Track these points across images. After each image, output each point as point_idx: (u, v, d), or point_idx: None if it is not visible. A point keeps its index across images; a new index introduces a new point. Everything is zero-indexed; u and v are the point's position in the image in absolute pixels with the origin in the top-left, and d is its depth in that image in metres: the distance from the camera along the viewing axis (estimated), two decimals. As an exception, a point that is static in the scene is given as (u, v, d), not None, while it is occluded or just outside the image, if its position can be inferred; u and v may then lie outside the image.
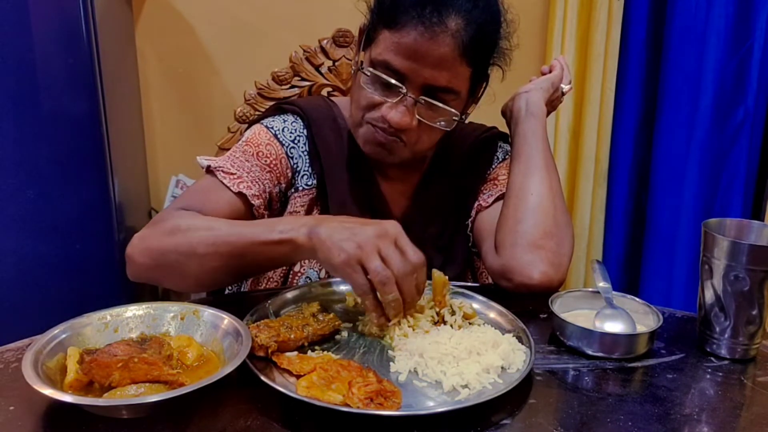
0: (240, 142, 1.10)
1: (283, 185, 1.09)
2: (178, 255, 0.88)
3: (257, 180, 1.04)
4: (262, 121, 1.13)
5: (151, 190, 2.18)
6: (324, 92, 1.43)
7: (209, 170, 1.04)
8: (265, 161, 1.06)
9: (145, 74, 2.09)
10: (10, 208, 1.66)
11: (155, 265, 0.90)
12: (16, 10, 1.57)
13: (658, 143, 2.01)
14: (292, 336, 0.78)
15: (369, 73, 0.99)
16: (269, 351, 0.76)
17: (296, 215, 1.10)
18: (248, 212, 1.03)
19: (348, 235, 0.78)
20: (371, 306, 0.79)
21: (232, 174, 1.02)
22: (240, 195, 1.01)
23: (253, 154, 1.06)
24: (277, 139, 1.09)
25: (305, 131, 1.11)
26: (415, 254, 0.79)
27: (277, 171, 1.07)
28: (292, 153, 1.10)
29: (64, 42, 1.63)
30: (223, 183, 1.01)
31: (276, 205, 1.10)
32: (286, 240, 0.83)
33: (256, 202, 1.02)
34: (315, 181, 1.10)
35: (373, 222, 0.81)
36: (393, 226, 0.81)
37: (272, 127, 1.10)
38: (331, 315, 0.84)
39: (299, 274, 1.09)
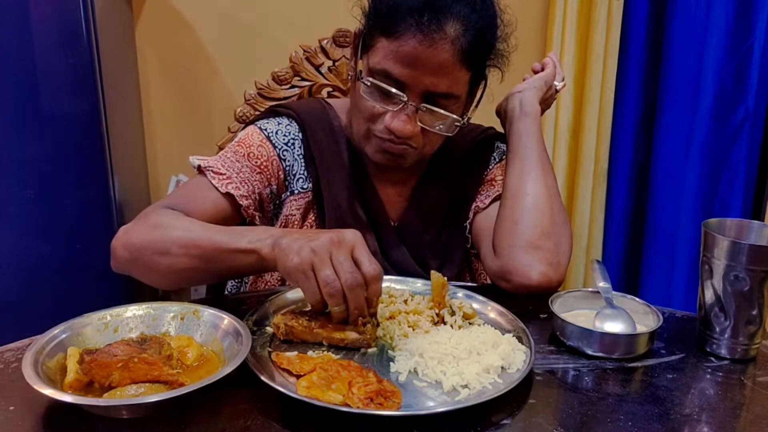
0: (233, 143, 1.10)
1: (275, 187, 1.09)
2: (153, 252, 0.89)
3: (246, 181, 1.04)
4: (256, 123, 1.13)
5: (151, 190, 2.18)
6: (324, 92, 1.43)
7: (200, 170, 1.04)
8: (256, 162, 1.06)
9: (145, 74, 2.09)
10: (10, 208, 1.66)
11: (132, 259, 0.91)
12: (16, 10, 1.57)
13: (658, 143, 2.01)
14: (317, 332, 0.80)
15: (369, 83, 0.99)
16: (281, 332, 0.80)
17: (289, 214, 1.10)
18: (235, 213, 1.03)
19: (304, 242, 0.78)
20: (320, 312, 0.81)
21: (221, 174, 1.02)
22: (227, 195, 1.01)
23: (244, 155, 1.06)
24: (270, 140, 1.09)
25: (300, 134, 1.11)
26: (370, 265, 0.77)
27: (268, 172, 1.07)
28: (284, 155, 1.09)
29: (64, 42, 1.63)
30: (211, 183, 1.02)
31: (269, 207, 1.10)
32: (251, 250, 0.83)
33: (244, 202, 1.02)
34: (311, 185, 1.10)
35: (328, 232, 0.79)
36: (352, 235, 0.79)
37: (265, 129, 1.10)
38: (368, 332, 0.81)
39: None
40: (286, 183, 1.10)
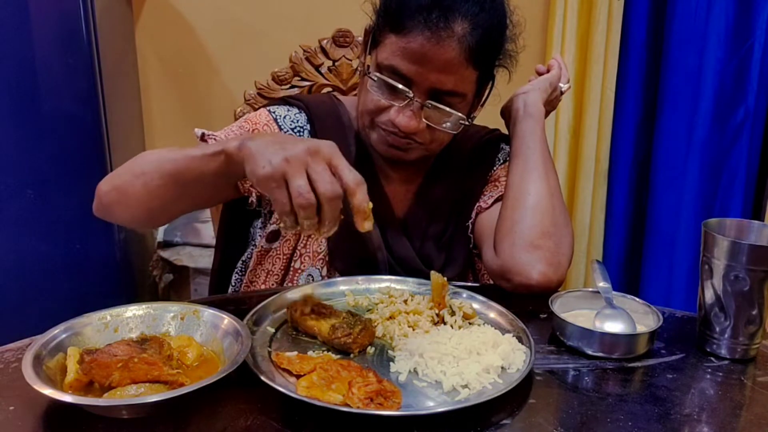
0: (240, 119, 1.12)
1: None
2: (130, 176, 0.91)
3: None
4: (266, 106, 1.14)
5: (151, 190, 2.18)
6: (324, 92, 1.42)
7: (203, 138, 1.05)
8: None
9: (145, 74, 2.09)
10: (10, 208, 1.66)
11: (111, 189, 0.93)
12: (16, 10, 1.57)
13: (658, 143, 2.01)
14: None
15: (376, 78, 0.99)
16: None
17: None
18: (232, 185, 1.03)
19: (277, 149, 0.73)
20: (289, 225, 0.74)
21: None
22: None
23: (249, 131, 1.07)
24: (276, 122, 1.10)
25: (308, 125, 1.12)
26: (351, 173, 0.74)
27: None
28: None
29: (64, 42, 1.63)
30: None
31: None
32: (218, 152, 0.82)
33: None
34: None
35: (306, 140, 0.76)
36: (329, 146, 0.75)
37: (274, 112, 1.12)
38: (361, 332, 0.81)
39: (299, 272, 1.09)
40: None
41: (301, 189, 0.71)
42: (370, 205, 0.76)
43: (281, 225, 0.75)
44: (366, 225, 0.76)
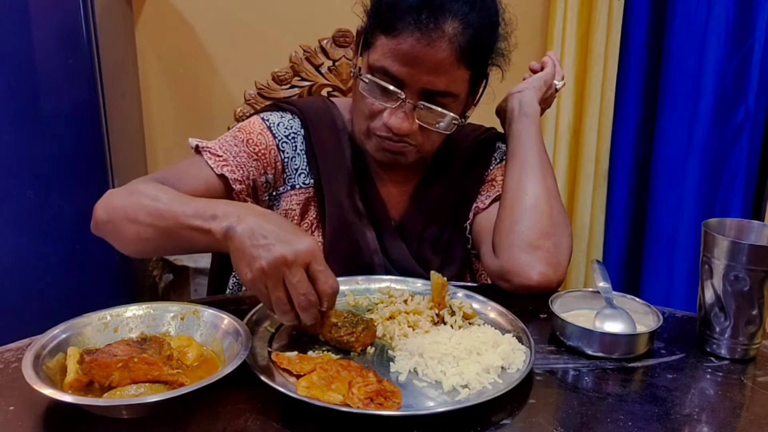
0: (233, 128, 1.11)
1: (271, 176, 1.09)
2: (124, 218, 0.91)
3: (242, 166, 1.04)
4: (259, 113, 1.14)
5: (151, 190, 2.17)
6: (324, 92, 1.43)
7: (197, 150, 1.05)
8: (254, 149, 1.07)
9: (145, 74, 2.09)
10: (10, 208, 1.66)
11: (107, 221, 0.93)
12: (16, 10, 1.57)
13: (658, 143, 2.01)
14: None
15: (367, 80, 0.99)
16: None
17: (289, 208, 1.10)
18: (227, 196, 1.03)
19: (258, 253, 0.74)
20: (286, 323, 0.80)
21: (218, 156, 1.03)
22: (221, 177, 1.02)
23: (243, 141, 1.07)
24: (270, 130, 1.10)
25: (302, 130, 1.12)
26: (326, 282, 0.76)
27: (265, 161, 1.08)
28: (284, 147, 1.10)
29: (64, 42, 1.63)
30: (207, 163, 1.02)
31: (263, 197, 1.10)
32: (205, 230, 0.82)
33: (237, 186, 1.03)
34: (312, 181, 1.11)
35: (290, 239, 0.75)
36: (308, 249, 0.75)
37: (267, 120, 1.11)
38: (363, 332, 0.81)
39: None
40: (284, 175, 1.10)
41: (279, 302, 0.75)
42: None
43: (269, 312, 0.80)
44: (324, 331, 0.81)
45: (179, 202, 0.87)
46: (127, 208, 0.90)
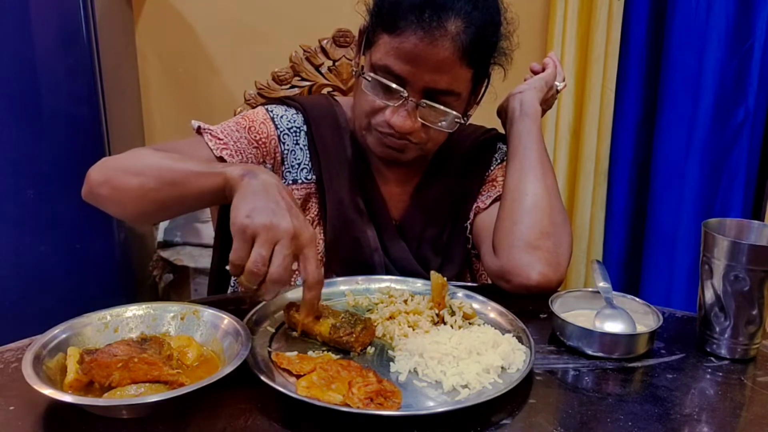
0: (237, 115, 1.12)
1: (270, 166, 1.09)
2: (126, 172, 0.91)
3: (242, 151, 1.05)
4: (264, 105, 1.15)
5: (151, 190, 2.18)
6: (324, 92, 1.42)
7: (199, 131, 1.05)
8: (255, 137, 1.07)
9: (145, 74, 2.09)
10: (10, 208, 1.66)
11: (103, 181, 0.92)
12: (16, 10, 1.57)
13: (658, 143, 2.01)
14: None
15: (370, 78, 0.99)
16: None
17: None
18: None
19: (269, 209, 0.75)
20: (233, 271, 0.76)
21: (219, 139, 1.04)
22: (220, 160, 1.02)
23: (245, 128, 1.07)
24: (273, 121, 1.10)
25: (305, 126, 1.12)
26: (314, 271, 0.76)
27: (265, 149, 1.08)
28: (285, 139, 1.10)
29: (64, 42, 1.63)
30: (207, 144, 1.03)
31: None
32: (218, 173, 0.83)
33: None
34: (315, 177, 1.11)
35: (301, 218, 0.77)
36: (311, 236, 0.76)
37: (271, 111, 1.12)
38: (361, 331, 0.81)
39: (297, 273, 1.09)
40: (283, 168, 1.11)
41: (257, 258, 0.73)
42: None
43: (231, 258, 0.76)
44: (308, 320, 0.80)
45: (189, 160, 0.89)
46: (130, 165, 0.91)
